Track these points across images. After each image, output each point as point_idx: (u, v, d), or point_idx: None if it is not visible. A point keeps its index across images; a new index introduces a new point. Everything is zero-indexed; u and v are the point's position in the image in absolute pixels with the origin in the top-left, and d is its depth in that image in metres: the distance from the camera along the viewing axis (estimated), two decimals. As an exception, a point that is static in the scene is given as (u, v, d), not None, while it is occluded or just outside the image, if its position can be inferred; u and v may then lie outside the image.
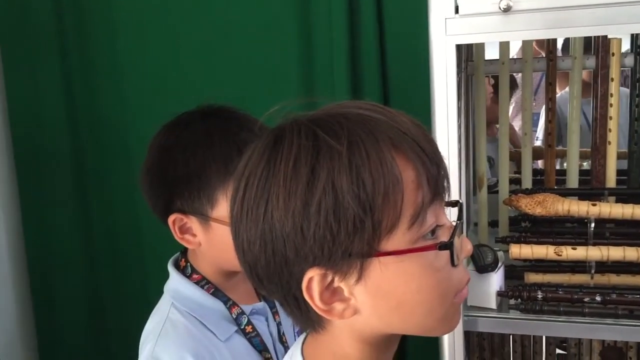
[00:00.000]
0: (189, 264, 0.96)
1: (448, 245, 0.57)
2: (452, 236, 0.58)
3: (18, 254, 1.78)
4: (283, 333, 1.00)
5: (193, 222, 0.90)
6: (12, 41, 1.68)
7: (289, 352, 0.68)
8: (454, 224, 0.59)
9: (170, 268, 0.97)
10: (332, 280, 0.56)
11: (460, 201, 0.65)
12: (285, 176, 0.53)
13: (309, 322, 0.61)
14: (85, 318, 1.78)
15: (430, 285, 0.57)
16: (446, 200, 0.60)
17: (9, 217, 1.76)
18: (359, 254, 0.54)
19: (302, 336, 0.67)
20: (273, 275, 0.57)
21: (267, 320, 0.99)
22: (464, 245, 0.60)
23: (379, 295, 0.56)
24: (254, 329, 0.95)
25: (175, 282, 0.95)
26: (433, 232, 0.57)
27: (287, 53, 1.50)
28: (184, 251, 0.98)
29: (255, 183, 0.55)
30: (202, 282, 0.94)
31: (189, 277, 0.95)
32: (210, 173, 0.87)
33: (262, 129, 0.88)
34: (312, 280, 0.55)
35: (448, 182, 0.59)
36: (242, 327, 0.94)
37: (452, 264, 0.57)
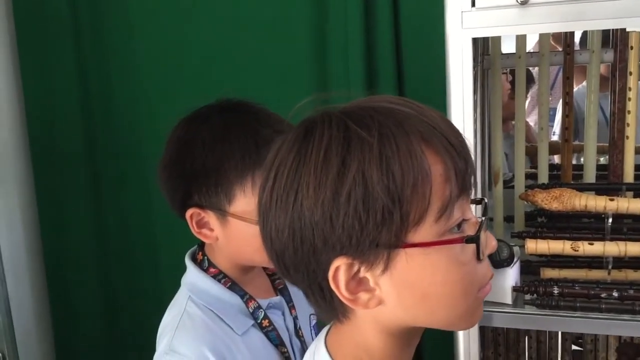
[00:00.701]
0: (206, 257, 0.96)
1: (475, 239, 0.57)
2: (479, 231, 0.58)
3: (35, 250, 1.80)
4: (299, 327, 1.01)
5: (210, 217, 0.90)
6: (29, 42, 1.70)
7: (313, 343, 0.69)
8: (480, 219, 0.60)
9: (188, 262, 0.97)
10: (358, 270, 0.56)
11: (485, 199, 0.66)
12: (316, 166, 0.54)
13: (333, 312, 0.61)
14: (100, 312, 1.80)
15: (456, 278, 0.57)
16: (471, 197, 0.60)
17: (26, 214, 1.77)
18: (386, 245, 0.54)
19: (326, 328, 0.67)
20: (300, 264, 0.57)
21: (283, 314, 0.99)
22: (489, 241, 0.60)
23: (404, 286, 0.57)
24: (270, 323, 0.95)
25: (193, 276, 0.95)
26: (459, 226, 0.57)
27: (301, 47, 1.50)
28: (201, 245, 0.98)
29: (285, 172, 0.56)
30: (219, 276, 0.94)
31: (206, 270, 0.95)
32: (228, 168, 0.86)
33: (279, 122, 0.89)
34: (339, 269, 0.56)
35: (475, 178, 0.59)
36: (259, 321, 0.94)
37: (478, 258, 0.58)
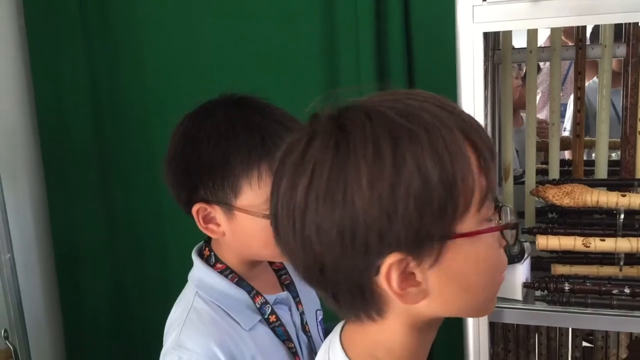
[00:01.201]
0: (213, 253, 0.96)
1: (515, 226, 0.61)
2: (513, 217, 0.61)
3: (45, 244, 1.81)
4: (306, 323, 1.01)
5: (217, 212, 0.90)
6: (39, 41, 1.71)
7: (326, 341, 0.68)
8: (501, 205, 0.62)
9: (195, 257, 0.97)
10: (407, 266, 0.56)
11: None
12: (366, 161, 0.53)
13: (367, 311, 0.60)
14: (109, 307, 1.81)
15: (493, 265, 0.60)
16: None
17: (37, 209, 1.79)
18: (440, 237, 0.55)
19: (340, 325, 0.67)
20: (344, 265, 0.56)
21: (290, 310, 0.99)
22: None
23: (449, 277, 0.57)
24: (277, 318, 0.95)
25: (200, 272, 0.95)
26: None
27: (311, 41, 1.50)
28: (208, 240, 0.98)
29: (325, 170, 0.54)
30: (226, 272, 0.94)
31: (212, 266, 0.95)
32: (234, 162, 0.86)
33: (283, 116, 0.90)
34: (392, 266, 0.55)
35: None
36: (266, 316, 0.94)
37: (509, 243, 0.61)
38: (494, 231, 0.58)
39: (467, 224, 0.56)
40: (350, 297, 0.59)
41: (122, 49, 1.66)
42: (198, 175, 0.89)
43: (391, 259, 0.55)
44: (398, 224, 0.53)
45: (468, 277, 0.58)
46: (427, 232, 0.54)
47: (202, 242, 0.99)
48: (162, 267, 1.74)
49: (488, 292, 0.62)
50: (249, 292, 0.94)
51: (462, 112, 0.58)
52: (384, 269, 0.55)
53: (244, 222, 0.88)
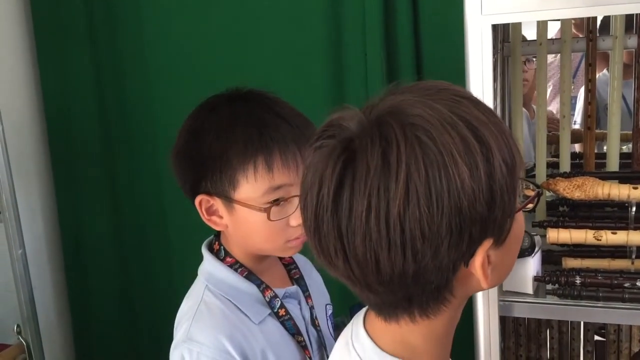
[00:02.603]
0: (222, 247, 0.96)
1: (541, 193, 0.69)
2: (537, 185, 0.70)
3: (54, 242, 1.83)
4: (315, 317, 1.01)
5: (219, 204, 0.91)
6: (46, 42, 1.72)
7: (347, 329, 0.67)
8: None
9: (204, 251, 0.97)
10: (490, 247, 0.57)
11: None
12: (459, 153, 0.52)
13: (424, 307, 0.59)
14: (116, 305, 1.83)
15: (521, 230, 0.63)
16: None
17: (46, 208, 1.81)
18: (511, 214, 0.58)
19: (360, 314, 0.66)
20: (441, 259, 0.54)
21: (299, 304, 0.99)
22: None
23: (507, 250, 0.59)
24: (287, 312, 0.95)
25: (209, 266, 0.96)
26: None
27: (317, 37, 1.49)
28: (218, 235, 0.98)
29: (422, 171, 0.52)
30: (236, 266, 0.95)
31: (222, 260, 0.95)
32: (231, 155, 0.87)
33: (283, 107, 0.91)
34: (486, 250, 0.56)
35: None
36: (275, 310, 0.94)
37: (532, 210, 0.69)
38: (531, 202, 0.64)
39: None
40: (421, 296, 0.58)
41: (127, 48, 1.67)
42: (200, 168, 0.90)
43: (486, 245, 0.56)
44: (497, 209, 0.55)
45: (516, 247, 0.62)
46: (511, 210, 0.57)
47: (212, 236, 1.00)
48: (168, 262, 1.75)
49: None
50: (258, 286, 0.94)
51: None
52: (479, 258, 0.56)
53: (243, 215, 0.89)
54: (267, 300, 0.94)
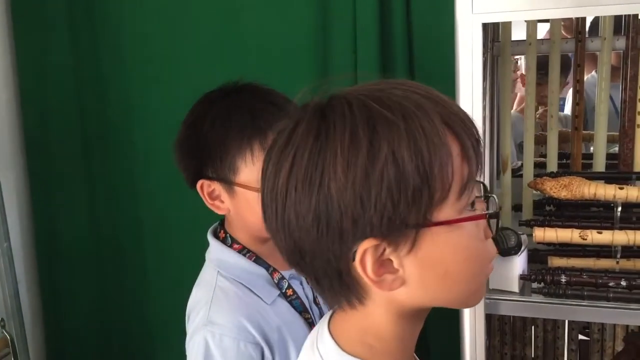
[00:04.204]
0: (228, 235, 1.02)
1: (496, 215, 0.61)
2: (496, 207, 0.61)
3: (27, 238, 1.80)
4: (316, 295, 1.06)
5: (220, 189, 0.97)
6: (25, 36, 1.69)
7: (315, 329, 0.69)
8: (489, 196, 0.63)
9: (211, 239, 1.03)
10: (384, 252, 0.56)
11: (483, 182, 0.66)
12: (343, 147, 0.54)
13: (348, 297, 0.61)
14: (91, 305, 1.80)
15: (474, 254, 0.60)
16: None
17: (21, 203, 1.77)
18: (415, 224, 0.55)
19: (327, 314, 0.67)
20: (321, 249, 0.57)
21: (302, 284, 1.04)
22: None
23: (427, 265, 0.57)
24: (294, 292, 1.01)
25: (218, 252, 1.02)
26: (472, 204, 0.59)
27: (305, 32, 1.47)
28: (222, 223, 1.04)
29: (305, 156, 0.55)
30: (244, 251, 1.00)
31: (230, 247, 1.01)
32: (228, 142, 0.93)
33: (275, 96, 0.96)
34: (367, 251, 0.56)
35: (482, 164, 0.61)
36: (284, 290, 1.01)
37: (493, 232, 0.61)
38: (470, 220, 0.58)
39: (445, 212, 0.56)
40: (330, 283, 0.60)
41: (108, 43, 1.64)
42: (200, 157, 0.97)
43: (366, 245, 0.55)
44: (371, 209, 0.54)
45: (447, 265, 0.58)
46: (401, 219, 0.54)
47: (216, 223, 1.06)
48: (142, 261, 1.73)
49: (472, 283, 0.61)
50: (266, 269, 1.00)
51: (449, 101, 0.58)
52: (358, 254, 0.56)
53: (245, 197, 0.95)
54: (276, 281, 1.00)
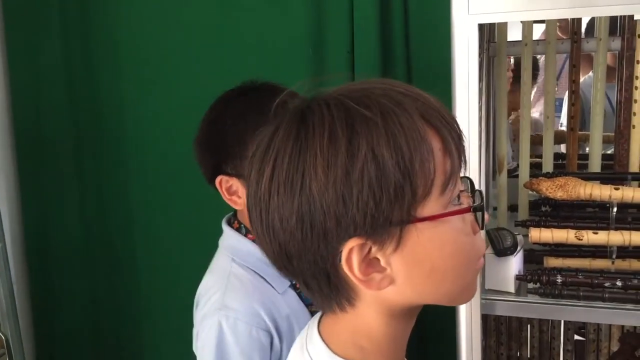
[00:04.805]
0: (242, 225, 1.05)
1: (481, 208, 0.60)
2: (481, 200, 0.61)
3: (17, 238, 1.78)
4: None
5: (238, 185, 1.00)
6: (16, 32, 1.68)
7: (303, 331, 0.68)
8: (477, 190, 0.62)
9: (225, 227, 1.06)
10: (369, 251, 0.56)
11: (469, 177, 0.66)
12: (322, 147, 0.54)
13: (337, 299, 0.60)
14: (82, 308, 1.79)
15: (461, 249, 0.59)
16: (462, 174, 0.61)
17: (10, 203, 1.76)
18: (399, 222, 0.55)
19: (316, 316, 0.67)
20: (307, 252, 0.57)
21: None
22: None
23: (414, 262, 0.57)
24: None
25: (234, 240, 1.05)
26: (458, 198, 0.59)
27: (300, 32, 1.47)
28: (235, 214, 1.08)
29: (286, 159, 0.55)
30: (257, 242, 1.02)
31: (245, 236, 1.04)
32: (247, 140, 0.96)
33: (281, 92, 0.94)
34: (352, 251, 0.56)
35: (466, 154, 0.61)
36: (293, 282, 1.03)
37: (481, 227, 0.61)
38: (455, 214, 0.57)
39: (429, 207, 0.56)
40: (319, 285, 0.60)
41: (100, 43, 1.63)
42: (220, 153, 1.00)
43: (351, 244, 0.55)
44: (353, 208, 0.54)
45: (433, 261, 0.58)
46: (384, 216, 0.54)
47: (230, 214, 1.09)
48: (133, 259, 1.73)
49: (461, 279, 0.61)
50: None
51: (429, 98, 0.58)
52: (344, 254, 0.56)
53: None
54: None
